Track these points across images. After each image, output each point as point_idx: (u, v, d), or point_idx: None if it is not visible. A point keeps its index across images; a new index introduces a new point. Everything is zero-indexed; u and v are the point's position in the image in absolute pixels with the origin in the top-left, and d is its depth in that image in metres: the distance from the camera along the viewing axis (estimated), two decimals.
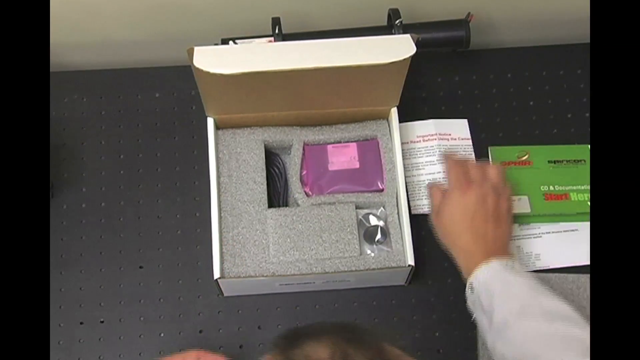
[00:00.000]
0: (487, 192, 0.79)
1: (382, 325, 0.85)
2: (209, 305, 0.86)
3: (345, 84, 0.79)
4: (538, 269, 0.87)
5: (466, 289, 0.77)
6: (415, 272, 0.82)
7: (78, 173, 0.92)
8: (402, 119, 0.88)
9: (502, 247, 0.79)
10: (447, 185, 0.82)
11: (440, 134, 0.93)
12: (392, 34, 0.88)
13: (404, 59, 0.72)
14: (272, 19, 0.89)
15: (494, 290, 0.73)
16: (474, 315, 0.77)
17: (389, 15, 0.91)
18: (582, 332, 0.67)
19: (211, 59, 0.71)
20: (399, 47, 0.72)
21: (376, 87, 0.81)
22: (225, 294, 0.85)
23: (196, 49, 0.70)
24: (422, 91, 0.97)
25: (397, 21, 0.88)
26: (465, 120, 0.95)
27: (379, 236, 0.83)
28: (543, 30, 1.02)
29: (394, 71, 0.75)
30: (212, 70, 0.70)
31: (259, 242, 0.81)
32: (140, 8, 0.93)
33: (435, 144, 0.93)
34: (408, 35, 0.73)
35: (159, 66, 0.98)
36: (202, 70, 0.70)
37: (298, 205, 0.84)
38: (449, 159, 0.84)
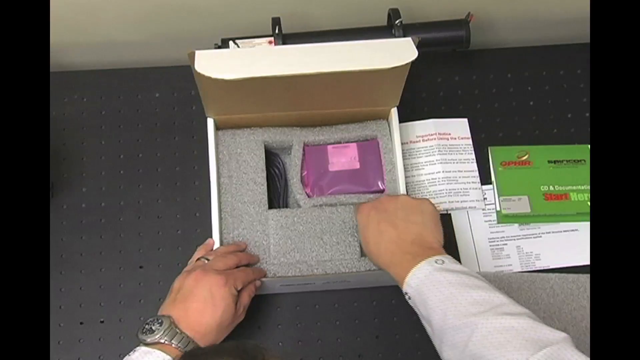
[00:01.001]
0: (374, 203, 0.78)
1: (382, 325, 0.85)
2: None
3: (346, 87, 0.79)
4: (538, 269, 0.87)
5: (406, 299, 0.71)
6: None
7: (78, 173, 0.92)
8: (402, 119, 0.88)
9: (426, 245, 0.73)
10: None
11: (440, 134, 0.93)
12: (392, 34, 0.88)
13: (406, 64, 0.72)
14: (272, 19, 0.89)
15: (426, 294, 0.68)
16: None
17: (389, 16, 0.91)
18: (518, 322, 0.63)
19: (212, 64, 0.71)
20: (401, 51, 0.72)
21: (377, 89, 0.81)
22: None
23: (197, 53, 0.70)
24: (422, 91, 0.97)
25: (397, 21, 0.88)
26: (465, 120, 0.95)
27: None
28: (543, 30, 1.02)
29: (395, 74, 0.75)
30: (213, 76, 0.70)
31: (260, 243, 0.81)
32: (140, 8, 0.93)
33: (435, 144, 0.93)
34: (409, 39, 0.73)
35: (159, 66, 0.98)
36: (203, 75, 0.70)
37: (299, 206, 0.84)
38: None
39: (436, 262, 0.70)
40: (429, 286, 0.68)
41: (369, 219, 0.77)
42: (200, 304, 0.71)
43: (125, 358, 0.69)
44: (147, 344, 0.69)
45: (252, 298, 0.77)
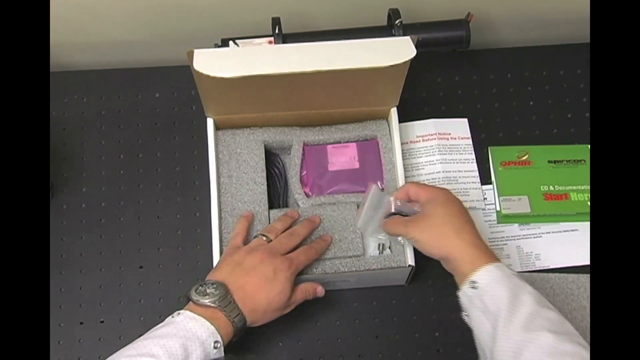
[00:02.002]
0: (442, 200, 0.77)
1: (382, 325, 0.85)
2: None
3: (345, 86, 0.79)
4: (538, 269, 0.87)
5: (463, 285, 0.72)
6: (415, 272, 0.82)
7: (78, 173, 0.92)
8: (402, 119, 0.88)
9: (492, 253, 0.74)
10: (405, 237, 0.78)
11: (439, 134, 0.93)
12: (392, 34, 0.88)
13: (404, 62, 0.72)
14: (272, 19, 0.89)
15: (501, 293, 0.69)
16: (468, 313, 0.73)
17: (389, 15, 0.91)
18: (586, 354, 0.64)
19: (211, 62, 0.71)
20: (399, 50, 0.72)
21: (376, 88, 0.81)
22: None
23: (196, 51, 0.70)
24: (422, 91, 0.97)
25: (397, 21, 0.88)
26: (465, 119, 0.95)
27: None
28: (543, 30, 1.02)
29: (394, 73, 0.75)
30: (212, 74, 0.70)
31: None
32: (140, 8, 0.93)
33: (435, 144, 0.93)
34: (408, 38, 0.73)
35: (159, 66, 0.98)
36: (202, 74, 0.70)
37: (298, 206, 0.84)
38: (410, 186, 0.80)
39: (510, 270, 0.72)
40: (505, 287, 0.69)
41: (461, 207, 0.76)
42: (261, 280, 0.72)
43: (167, 319, 0.69)
44: (197, 305, 0.69)
45: (305, 300, 0.78)
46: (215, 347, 0.68)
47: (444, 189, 0.78)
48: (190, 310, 0.69)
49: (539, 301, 0.69)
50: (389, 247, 0.83)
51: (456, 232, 0.73)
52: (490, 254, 0.73)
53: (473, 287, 0.70)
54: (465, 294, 0.72)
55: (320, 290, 0.79)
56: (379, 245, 0.83)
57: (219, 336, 0.68)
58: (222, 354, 0.68)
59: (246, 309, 0.71)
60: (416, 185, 0.79)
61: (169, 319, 0.69)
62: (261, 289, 0.72)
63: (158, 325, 0.69)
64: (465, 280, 0.71)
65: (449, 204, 0.76)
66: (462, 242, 0.73)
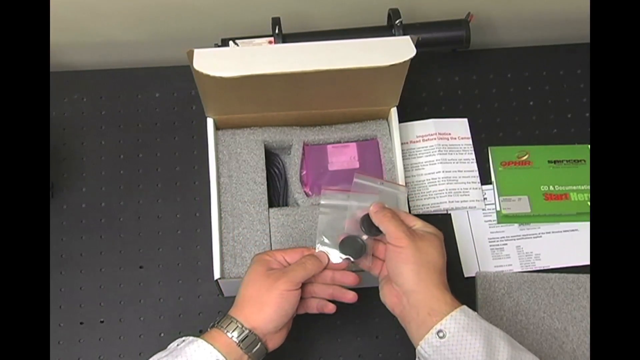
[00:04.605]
0: (438, 239, 0.71)
1: (382, 325, 0.85)
2: (209, 305, 0.86)
3: (345, 85, 0.79)
4: (538, 269, 0.87)
5: (428, 336, 0.65)
6: None
7: (78, 173, 0.92)
8: (402, 119, 0.88)
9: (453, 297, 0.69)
10: (392, 238, 0.70)
11: (439, 134, 0.93)
12: (392, 34, 0.88)
13: (404, 62, 0.73)
14: (272, 19, 0.89)
15: (474, 342, 0.64)
16: None
17: (389, 15, 0.91)
18: None
19: (211, 62, 0.71)
20: (399, 49, 0.72)
21: (376, 88, 0.81)
22: (225, 295, 0.85)
23: (196, 51, 0.70)
24: (422, 91, 0.97)
25: (397, 21, 0.88)
26: (465, 119, 0.95)
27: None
28: (543, 30, 1.03)
29: (394, 73, 0.75)
30: (212, 73, 0.70)
31: (260, 242, 0.81)
32: (140, 8, 0.93)
33: (435, 144, 0.93)
34: (408, 37, 0.73)
35: (159, 66, 0.98)
36: (202, 73, 0.70)
37: (298, 205, 0.84)
38: (380, 211, 0.72)
39: (475, 312, 0.67)
40: (477, 332, 0.65)
41: (438, 252, 0.70)
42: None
43: (170, 345, 0.69)
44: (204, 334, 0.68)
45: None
46: None
47: (438, 231, 0.73)
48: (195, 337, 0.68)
49: (512, 344, 0.66)
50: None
51: (433, 273, 0.68)
52: (453, 299, 0.68)
53: (440, 337, 0.65)
54: (430, 344, 0.65)
55: (329, 307, 0.75)
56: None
57: (220, 355, 0.66)
58: None
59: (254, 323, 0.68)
60: (414, 217, 0.74)
61: (171, 344, 0.69)
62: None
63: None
64: (429, 329, 0.65)
65: (442, 248, 0.71)
66: (431, 283, 0.68)
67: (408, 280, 0.68)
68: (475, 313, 0.67)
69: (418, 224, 0.73)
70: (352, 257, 0.73)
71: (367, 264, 0.74)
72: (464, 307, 0.67)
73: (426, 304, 0.67)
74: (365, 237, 0.73)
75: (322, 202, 0.76)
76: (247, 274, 0.72)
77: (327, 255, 0.73)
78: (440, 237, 0.72)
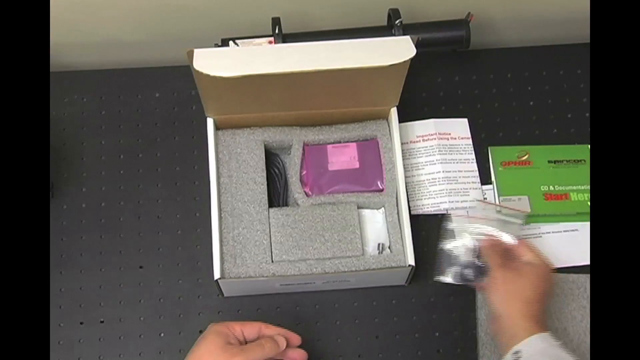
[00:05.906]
0: (536, 273, 0.78)
1: (382, 325, 0.85)
2: (209, 305, 0.86)
3: (345, 85, 0.79)
4: None
5: (507, 356, 0.73)
6: (415, 272, 0.82)
7: (78, 173, 0.92)
8: (402, 119, 0.88)
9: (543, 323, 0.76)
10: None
11: (440, 134, 0.94)
12: (392, 34, 0.88)
13: (404, 62, 0.73)
14: (272, 19, 0.89)
15: None
16: None
17: (389, 15, 0.91)
18: None
19: (211, 62, 0.71)
20: (399, 49, 0.72)
21: (376, 88, 0.81)
22: (225, 295, 0.85)
23: (196, 51, 0.70)
24: (422, 91, 0.97)
25: (397, 21, 0.88)
26: (465, 119, 0.95)
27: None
28: (543, 30, 1.02)
29: (394, 72, 0.75)
30: (212, 73, 0.70)
31: (260, 242, 0.81)
32: (140, 8, 0.93)
33: (435, 144, 0.93)
34: (408, 37, 0.73)
35: (159, 66, 0.98)
36: (202, 73, 0.70)
37: (298, 205, 0.85)
38: (486, 247, 0.82)
39: (556, 340, 0.73)
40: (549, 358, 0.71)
41: (545, 282, 0.79)
42: None
43: None
44: None
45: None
46: None
47: (548, 264, 0.80)
48: None
49: None
50: (389, 247, 0.83)
51: (519, 302, 0.76)
52: (539, 327, 0.74)
53: (517, 357, 0.72)
54: None
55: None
56: (379, 245, 0.83)
57: None
58: None
59: None
60: (528, 247, 0.81)
61: None
62: None
63: None
64: (509, 351, 0.73)
65: (540, 280, 0.78)
66: (516, 312, 0.75)
67: (495, 307, 0.77)
68: (558, 342, 0.72)
69: (528, 256, 0.80)
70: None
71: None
72: (545, 333, 0.73)
73: (509, 330, 0.75)
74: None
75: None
76: (203, 344, 0.71)
77: (286, 340, 0.76)
78: (543, 270, 0.79)
